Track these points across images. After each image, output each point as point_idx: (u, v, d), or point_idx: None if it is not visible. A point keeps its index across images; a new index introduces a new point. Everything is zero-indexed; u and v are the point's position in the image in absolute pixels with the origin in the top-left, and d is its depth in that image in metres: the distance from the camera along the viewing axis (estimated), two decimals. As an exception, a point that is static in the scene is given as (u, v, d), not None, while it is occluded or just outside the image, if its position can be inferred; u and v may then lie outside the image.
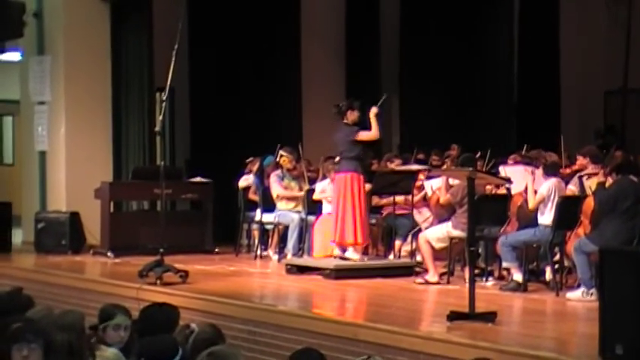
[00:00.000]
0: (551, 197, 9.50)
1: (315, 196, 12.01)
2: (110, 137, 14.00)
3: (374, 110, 10.74)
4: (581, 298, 8.89)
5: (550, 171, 9.74)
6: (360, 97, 11.84)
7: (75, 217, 13.39)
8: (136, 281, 10.16)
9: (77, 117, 13.92)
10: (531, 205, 9.60)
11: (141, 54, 13.97)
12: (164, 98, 10.83)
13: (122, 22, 14.03)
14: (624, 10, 12.10)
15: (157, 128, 10.84)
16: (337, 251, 10.98)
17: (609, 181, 9.04)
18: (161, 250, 10.22)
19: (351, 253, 10.80)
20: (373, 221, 12.09)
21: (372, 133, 10.70)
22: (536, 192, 9.63)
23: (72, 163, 13.85)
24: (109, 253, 12.74)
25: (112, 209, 13.24)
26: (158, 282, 10.05)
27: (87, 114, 13.91)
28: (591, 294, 8.69)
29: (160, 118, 10.92)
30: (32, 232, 13.53)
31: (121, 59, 14.00)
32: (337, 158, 11.16)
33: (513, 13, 15.90)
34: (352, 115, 10.75)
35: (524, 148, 12.29)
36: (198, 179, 13.76)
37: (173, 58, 10.29)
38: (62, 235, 13.25)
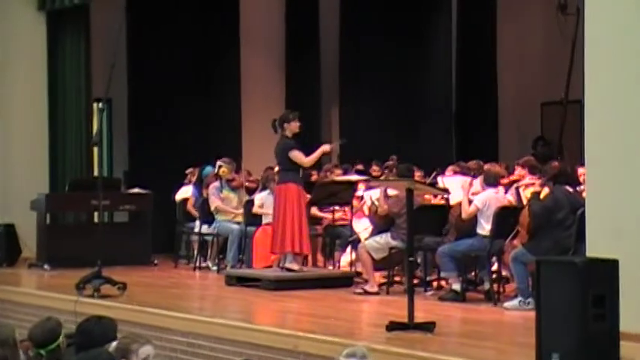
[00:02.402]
0: (487, 208, 9.57)
1: (255, 210, 11.99)
2: (47, 148, 13.83)
3: (325, 147, 10.73)
4: (518, 307, 8.97)
5: (489, 181, 9.82)
6: (301, 107, 11.84)
7: (10, 228, 13.21)
8: (74, 294, 10.03)
9: (13, 127, 13.73)
10: (464, 215, 9.67)
11: (78, 64, 13.85)
12: (101, 108, 10.73)
13: (59, 32, 13.90)
14: (572, 22, 12.30)
15: (94, 139, 10.73)
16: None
17: (545, 191, 9.14)
18: (99, 262, 10.11)
19: (290, 263, 10.78)
20: (313, 232, 12.10)
21: (304, 160, 10.63)
22: (471, 202, 9.70)
23: (7, 174, 13.66)
24: (45, 266, 12.59)
25: (48, 221, 13.09)
26: (96, 294, 9.95)
27: (23, 124, 13.74)
28: (528, 303, 8.78)
29: (98, 128, 10.82)
30: (-34, 244, 13.32)
31: (57, 69, 13.86)
32: (276, 169, 11.14)
33: (451, 24, 16.03)
34: (290, 127, 10.70)
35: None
36: (136, 190, 13.67)
37: (111, 69, 10.20)
38: (-3, 247, 13.08)
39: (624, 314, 6.06)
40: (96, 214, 11.63)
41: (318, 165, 13.26)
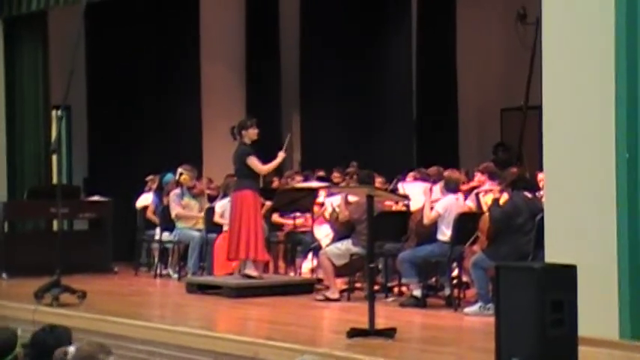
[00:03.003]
0: (448, 214, 9.62)
1: (216, 219, 11.97)
2: (4, 155, 13.70)
3: (281, 155, 10.73)
4: (478, 312, 9.02)
5: (450, 187, 9.86)
6: (261, 115, 11.83)
7: (-33, 237, 13.06)
8: (32, 303, 9.93)
9: (-30, 135, 13.60)
10: (426, 221, 9.72)
11: (36, 71, 13.74)
12: (60, 116, 10.65)
13: (16, 39, 13.78)
14: (532, 32, 12.50)
15: (53, 146, 10.65)
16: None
17: (504, 197, 9.20)
18: (58, 270, 10.02)
19: (249, 269, 10.76)
20: (274, 238, 12.09)
21: (260, 167, 10.64)
22: (433, 208, 9.74)
23: (-35, 182, 13.52)
24: (3, 274, 12.48)
25: (6, 229, 12.97)
26: (55, 303, 9.85)
27: (-20, 132, 13.61)
28: (489, 308, 8.82)
29: (56, 136, 10.72)
30: None
31: (15, 76, 13.74)
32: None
33: (411, 31, 16.10)
34: (249, 134, 10.68)
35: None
36: (96, 198, 13.59)
37: (70, 75, 10.12)
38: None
39: (582, 319, 6.11)
40: (55, 222, 11.53)
41: (279, 172, 13.28)
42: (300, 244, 11.97)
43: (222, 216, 11.82)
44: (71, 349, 5.23)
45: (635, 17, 6.74)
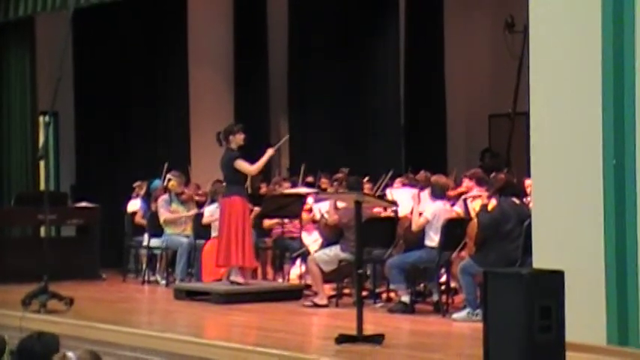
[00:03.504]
0: (436, 220, 9.63)
1: (205, 220, 11.94)
2: (-9, 162, 13.67)
3: (269, 152, 10.73)
4: (466, 318, 9.03)
5: (437, 193, 9.87)
6: (249, 121, 11.83)
7: (-46, 243, 13.02)
8: (19, 309, 9.89)
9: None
10: (414, 227, 9.73)
11: (23, 77, 13.71)
12: (47, 122, 10.63)
13: (3, 46, 13.75)
14: (519, 40, 12.60)
15: (40, 153, 10.62)
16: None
17: (492, 203, 9.22)
18: (45, 277, 9.99)
19: (235, 276, 10.76)
20: (262, 244, 12.08)
21: (250, 168, 10.64)
22: (421, 214, 9.76)
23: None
24: (-10, 281, 12.42)
25: (-7, 235, 12.93)
26: (42, 310, 9.82)
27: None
28: (477, 314, 8.82)
29: (44, 142, 10.69)
30: None
31: (2, 82, 13.71)
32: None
33: (399, 37, 16.12)
34: (235, 139, 10.69)
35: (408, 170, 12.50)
36: (83, 204, 13.55)
37: (57, 82, 10.10)
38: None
39: (570, 325, 6.13)
40: (42, 228, 11.49)
41: (267, 177, 13.27)
42: (288, 250, 11.96)
43: (212, 216, 11.78)
44: (70, 354, 5.20)
45: (622, 25, 6.77)
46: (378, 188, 11.76)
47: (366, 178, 11.81)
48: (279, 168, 15.65)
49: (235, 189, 10.66)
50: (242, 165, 10.56)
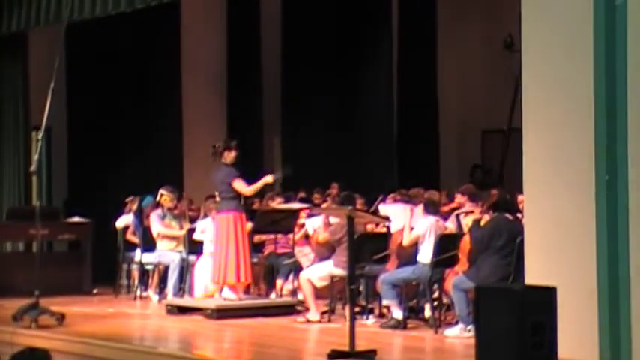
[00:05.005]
0: (428, 236, 9.63)
1: (196, 236, 11.92)
2: (-16, 177, 13.66)
3: (268, 179, 10.75)
4: (459, 334, 9.02)
5: (430, 209, 9.88)
6: (242, 136, 11.82)
7: (-54, 258, 12.99)
8: (10, 325, 9.86)
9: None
10: (405, 241, 9.72)
11: (16, 92, 13.72)
12: (40, 137, 10.61)
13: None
14: (519, 59, 12.74)
15: (33, 168, 10.59)
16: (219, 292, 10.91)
17: (485, 218, 9.22)
18: (36, 292, 9.96)
19: (227, 293, 10.73)
20: (255, 260, 12.06)
21: (245, 189, 10.68)
22: (413, 229, 9.75)
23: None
24: (-18, 296, 12.37)
25: (-15, 250, 12.89)
26: (33, 325, 9.79)
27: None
28: (469, 330, 8.81)
29: (36, 157, 10.66)
30: None
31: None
32: (217, 198, 11.11)
33: (392, 53, 16.14)
34: (229, 156, 10.73)
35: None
36: (76, 219, 13.52)
37: (49, 97, 10.10)
38: None
39: (562, 341, 6.12)
40: (34, 243, 11.46)
41: (260, 192, 13.25)
42: (280, 266, 11.94)
43: (203, 232, 11.77)
44: None
45: (614, 44, 6.80)
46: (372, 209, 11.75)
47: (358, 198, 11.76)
48: (274, 185, 15.64)
49: (232, 205, 10.68)
50: (239, 185, 10.61)
